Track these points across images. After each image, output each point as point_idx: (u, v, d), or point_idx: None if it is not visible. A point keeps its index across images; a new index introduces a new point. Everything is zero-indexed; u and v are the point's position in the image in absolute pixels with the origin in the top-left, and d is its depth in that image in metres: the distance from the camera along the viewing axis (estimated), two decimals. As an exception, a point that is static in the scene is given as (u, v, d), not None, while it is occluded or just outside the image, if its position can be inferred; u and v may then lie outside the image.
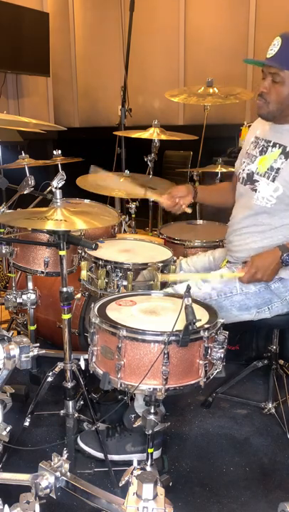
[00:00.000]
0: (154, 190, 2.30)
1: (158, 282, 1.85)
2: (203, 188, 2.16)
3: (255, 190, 1.85)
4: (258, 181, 1.85)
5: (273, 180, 1.79)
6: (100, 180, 2.40)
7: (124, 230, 2.74)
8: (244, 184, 1.92)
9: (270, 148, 1.84)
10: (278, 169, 1.79)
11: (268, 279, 1.75)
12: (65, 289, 1.63)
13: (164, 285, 1.88)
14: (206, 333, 1.37)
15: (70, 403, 1.71)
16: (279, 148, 1.81)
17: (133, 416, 1.83)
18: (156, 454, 1.82)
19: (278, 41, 1.71)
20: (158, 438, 1.81)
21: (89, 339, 1.48)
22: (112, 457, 1.82)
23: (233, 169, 2.27)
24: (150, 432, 1.44)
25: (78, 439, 1.86)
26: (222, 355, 1.42)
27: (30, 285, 2.31)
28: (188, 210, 2.08)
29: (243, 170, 1.93)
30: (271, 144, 1.85)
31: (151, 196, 2.20)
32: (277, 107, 1.76)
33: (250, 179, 1.88)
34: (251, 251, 1.85)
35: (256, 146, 1.91)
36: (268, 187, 1.81)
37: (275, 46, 1.71)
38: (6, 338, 1.39)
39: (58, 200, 1.64)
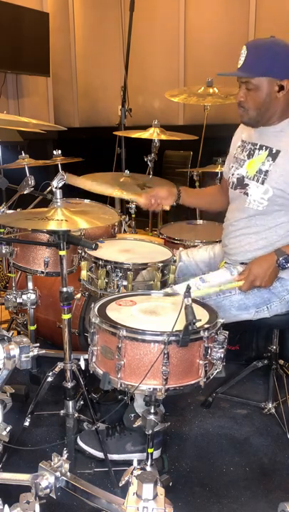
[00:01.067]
0: (131, 190, 2.31)
1: (158, 282, 1.85)
2: (188, 190, 2.16)
3: (247, 194, 1.86)
4: (248, 185, 1.86)
5: (263, 182, 1.80)
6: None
7: (124, 230, 2.74)
8: (234, 189, 1.93)
9: (256, 151, 1.85)
10: (267, 171, 1.80)
11: (266, 284, 1.76)
12: (65, 289, 1.64)
13: (164, 285, 1.89)
14: (206, 333, 1.37)
15: (70, 403, 1.71)
16: (266, 150, 1.82)
17: (133, 415, 1.83)
18: (156, 454, 1.82)
19: (244, 50, 1.74)
20: (158, 438, 1.81)
21: (89, 339, 1.48)
22: (112, 457, 1.82)
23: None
24: (150, 431, 1.44)
25: (78, 438, 1.86)
26: (222, 355, 1.42)
27: (30, 285, 2.31)
28: (167, 208, 2.08)
29: (233, 174, 1.95)
30: (258, 146, 1.86)
31: (128, 196, 2.17)
32: (256, 113, 1.78)
33: (241, 183, 1.89)
34: (247, 253, 1.87)
35: (243, 150, 1.92)
36: (257, 190, 1.82)
37: (242, 56, 1.74)
38: (6, 338, 1.39)
39: (58, 200, 1.65)
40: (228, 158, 2.07)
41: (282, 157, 1.77)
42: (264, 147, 1.83)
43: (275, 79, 1.72)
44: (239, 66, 1.76)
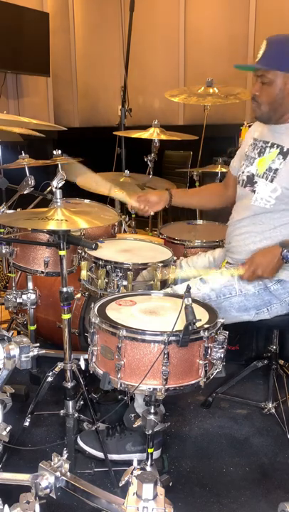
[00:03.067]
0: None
1: (158, 282, 1.85)
2: (179, 192, 2.19)
3: (254, 192, 1.85)
4: (256, 182, 1.85)
5: (272, 180, 1.80)
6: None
7: (124, 230, 2.74)
8: (244, 186, 1.92)
9: (268, 149, 1.85)
10: (276, 170, 1.79)
11: (269, 275, 1.73)
12: (65, 289, 1.64)
13: (164, 285, 1.89)
14: (206, 333, 1.37)
15: (70, 403, 1.71)
16: (277, 148, 1.82)
17: (133, 415, 1.83)
18: (156, 454, 1.82)
19: (264, 45, 1.76)
20: (158, 438, 1.81)
21: (89, 339, 1.48)
22: (112, 457, 1.82)
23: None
24: (150, 431, 1.44)
25: (78, 438, 1.86)
26: (222, 355, 1.42)
27: (30, 285, 2.31)
28: (151, 213, 2.13)
29: (243, 172, 1.94)
30: (269, 144, 1.85)
31: (117, 196, 2.20)
32: (269, 108, 1.79)
33: (251, 181, 1.89)
34: (251, 253, 1.85)
35: (254, 148, 1.91)
36: (266, 188, 1.81)
37: (261, 50, 1.76)
38: (6, 338, 1.39)
39: (58, 200, 1.65)
40: (238, 154, 2.07)
41: None
42: (275, 145, 1.82)
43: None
44: (257, 60, 1.76)
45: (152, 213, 2.14)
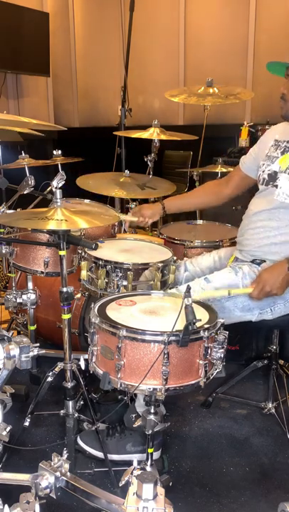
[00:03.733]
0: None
1: (158, 282, 1.85)
2: (173, 199, 2.27)
3: (276, 186, 1.86)
4: (278, 178, 1.87)
5: None
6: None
7: (124, 230, 2.73)
8: (266, 184, 1.93)
9: None
10: None
11: (278, 291, 1.72)
12: (65, 289, 1.64)
13: (164, 285, 1.89)
14: (206, 333, 1.37)
15: (70, 403, 1.71)
16: None
17: (134, 416, 1.83)
18: (156, 455, 1.82)
19: None
20: (158, 438, 1.81)
21: (89, 339, 1.48)
22: (112, 457, 1.82)
23: (232, 169, 2.28)
24: (150, 431, 1.44)
25: (78, 438, 1.86)
26: (222, 355, 1.42)
27: (30, 285, 2.31)
28: (150, 223, 2.27)
29: (264, 171, 1.95)
30: None
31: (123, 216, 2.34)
32: None
33: (273, 178, 1.90)
34: (263, 247, 1.86)
35: (277, 148, 1.93)
36: (288, 182, 1.82)
37: None
38: (6, 338, 1.39)
39: (58, 200, 1.64)
40: (252, 153, 2.09)
41: None
42: None
43: None
44: None
45: (150, 223, 2.25)
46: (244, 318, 1.84)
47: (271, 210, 1.86)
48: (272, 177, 1.90)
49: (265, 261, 1.86)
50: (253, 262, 1.89)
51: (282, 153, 1.89)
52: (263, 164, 1.96)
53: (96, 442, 1.83)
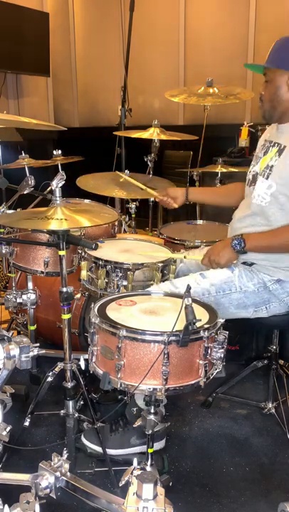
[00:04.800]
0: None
1: (158, 282, 1.85)
2: (196, 189, 2.33)
3: (255, 189, 1.88)
4: (257, 180, 1.88)
5: (267, 177, 1.82)
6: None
7: (124, 230, 2.74)
8: (249, 185, 1.95)
9: (270, 148, 1.87)
10: (272, 166, 1.81)
11: (220, 260, 1.81)
12: (65, 289, 1.64)
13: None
14: (206, 333, 1.37)
15: (70, 403, 1.71)
16: (276, 146, 1.84)
17: (135, 409, 1.82)
18: (160, 445, 1.84)
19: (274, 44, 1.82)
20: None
21: (89, 339, 1.48)
22: (118, 451, 1.82)
23: (232, 169, 2.29)
24: (150, 432, 1.44)
25: (82, 436, 1.86)
26: (222, 355, 1.42)
27: (30, 285, 2.31)
28: (175, 206, 2.29)
29: (250, 172, 1.97)
30: (272, 143, 1.87)
31: (149, 191, 2.40)
32: (269, 105, 1.83)
33: (254, 179, 1.91)
34: (249, 254, 1.85)
35: (263, 148, 1.94)
36: (262, 184, 1.84)
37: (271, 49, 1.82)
38: (6, 338, 1.39)
39: (58, 199, 1.64)
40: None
41: (286, 152, 1.78)
42: (276, 144, 1.85)
43: (286, 71, 1.76)
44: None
45: (176, 206, 2.28)
46: (239, 315, 1.85)
47: (251, 215, 1.88)
48: (255, 178, 1.91)
49: (255, 263, 1.87)
50: (244, 263, 1.89)
51: (264, 153, 1.90)
52: (252, 165, 1.98)
53: (100, 440, 1.82)
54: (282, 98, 1.79)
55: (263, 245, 1.80)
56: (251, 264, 1.87)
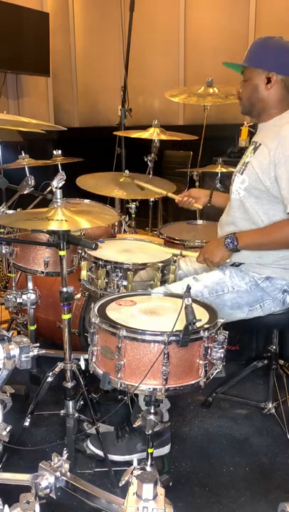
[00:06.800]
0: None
1: (158, 282, 1.85)
2: (220, 195, 2.31)
3: (232, 185, 1.93)
4: (235, 177, 1.93)
5: (242, 173, 1.86)
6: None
7: (124, 230, 2.74)
8: (231, 184, 1.97)
9: (250, 147, 1.91)
10: (247, 163, 1.85)
11: (213, 258, 1.83)
12: (65, 289, 1.64)
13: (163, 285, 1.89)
14: (206, 333, 1.37)
15: (70, 403, 1.71)
16: (253, 144, 1.88)
17: (140, 415, 1.82)
18: (166, 450, 1.84)
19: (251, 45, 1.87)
20: (166, 434, 1.84)
21: (89, 339, 1.48)
22: (125, 458, 1.81)
23: (232, 169, 2.28)
24: (150, 432, 1.44)
25: (88, 442, 1.86)
26: (222, 355, 1.42)
27: (30, 285, 2.31)
28: (199, 206, 2.32)
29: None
30: (252, 142, 1.91)
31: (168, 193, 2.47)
32: (248, 103, 1.89)
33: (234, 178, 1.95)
34: (235, 255, 1.87)
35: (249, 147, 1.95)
36: (237, 180, 1.88)
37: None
38: (6, 338, 1.39)
39: (58, 200, 1.64)
40: None
41: (260, 149, 1.81)
42: (255, 142, 1.88)
43: (263, 70, 1.80)
44: None
45: (200, 207, 2.32)
46: (235, 316, 1.86)
47: (232, 211, 1.90)
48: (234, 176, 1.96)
49: (242, 262, 1.88)
50: (232, 265, 1.90)
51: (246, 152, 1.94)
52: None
53: (107, 444, 1.82)
54: (259, 97, 1.83)
55: (255, 243, 1.81)
56: (239, 265, 1.88)
